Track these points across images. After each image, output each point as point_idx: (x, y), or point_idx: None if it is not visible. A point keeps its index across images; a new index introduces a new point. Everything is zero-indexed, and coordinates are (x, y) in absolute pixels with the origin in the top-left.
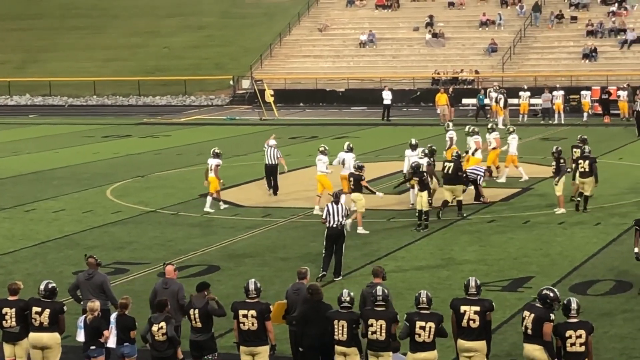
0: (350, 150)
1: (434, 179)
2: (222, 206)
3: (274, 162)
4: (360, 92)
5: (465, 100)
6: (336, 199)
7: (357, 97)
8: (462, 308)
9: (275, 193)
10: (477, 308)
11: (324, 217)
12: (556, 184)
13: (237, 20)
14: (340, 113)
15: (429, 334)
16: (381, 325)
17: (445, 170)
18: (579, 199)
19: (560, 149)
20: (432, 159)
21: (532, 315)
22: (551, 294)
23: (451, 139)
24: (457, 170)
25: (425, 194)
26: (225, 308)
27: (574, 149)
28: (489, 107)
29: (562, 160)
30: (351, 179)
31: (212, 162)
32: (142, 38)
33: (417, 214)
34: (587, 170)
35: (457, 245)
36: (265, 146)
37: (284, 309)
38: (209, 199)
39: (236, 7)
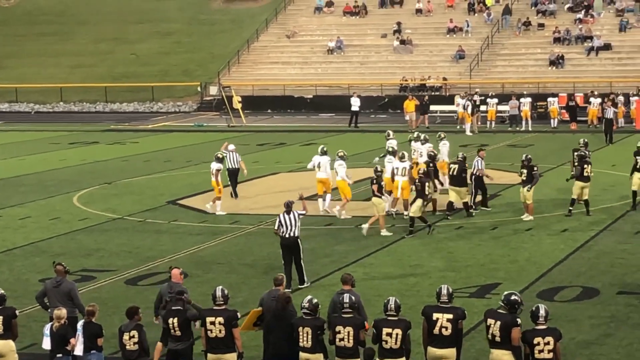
0: (324, 153)
1: (432, 185)
2: (214, 211)
3: (236, 166)
4: (328, 98)
5: (433, 107)
6: (288, 208)
7: (325, 103)
8: (435, 315)
9: (235, 196)
10: (450, 316)
11: (276, 227)
12: (528, 191)
13: (204, 26)
14: (308, 119)
15: (396, 340)
16: (348, 332)
17: (451, 172)
18: (580, 202)
19: (530, 156)
20: (432, 164)
21: (499, 322)
22: (518, 299)
23: (393, 148)
24: (461, 171)
25: (419, 201)
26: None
27: (576, 153)
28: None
29: (535, 168)
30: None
31: (214, 166)
32: (109, 44)
33: (409, 220)
34: (591, 174)
35: (425, 252)
36: (224, 152)
37: (257, 316)
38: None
39: (204, 14)
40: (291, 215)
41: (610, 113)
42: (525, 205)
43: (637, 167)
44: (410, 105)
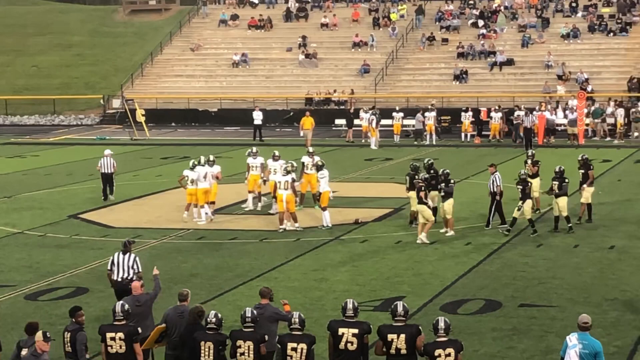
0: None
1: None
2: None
3: (110, 171)
4: (233, 112)
5: (337, 121)
6: (125, 248)
7: (230, 117)
8: (340, 330)
9: (111, 194)
10: (356, 330)
11: (109, 267)
12: (447, 203)
13: (107, 39)
14: (212, 133)
15: (301, 355)
16: (249, 347)
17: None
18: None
19: (448, 171)
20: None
21: (403, 335)
22: (407, 308)
23: (304, 163)
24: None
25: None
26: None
27: (581, 170)
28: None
29: (451, 181)
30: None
31: (214, 169)
32: (9, 56)
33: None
34: (558, 191)
35: (329, 266)
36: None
37: (160, 332)
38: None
39: (107, 26)
40: (127, 256)
41: (528, 122)
42: (445, 220)
43: (581, 180)
44: (307, 122)
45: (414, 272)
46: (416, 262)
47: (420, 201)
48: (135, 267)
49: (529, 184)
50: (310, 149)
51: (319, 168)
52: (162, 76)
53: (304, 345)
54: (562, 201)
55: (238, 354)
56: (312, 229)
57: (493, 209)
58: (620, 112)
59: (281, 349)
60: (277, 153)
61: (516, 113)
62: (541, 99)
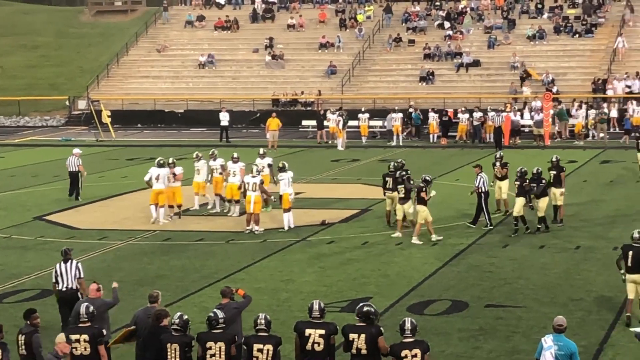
0: (162, 165)
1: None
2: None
3: (75, 170)
4: (200, 113)
5: (305, 122)
6: (66, 256)
7: (196, 118)
8: (307, 331)
9: (77, 198)
10: (322, 331)
11: (53, 279)
12: (405, 206)
13: (73, 40)
14: (179, 134)
15: (267, 356)
16: (220, 348)
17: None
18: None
19: (409, 175)
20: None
21: (363, 335)
22: (372, 309)
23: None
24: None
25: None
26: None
27: (552, 171)
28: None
29: (411, 182)
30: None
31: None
32: None
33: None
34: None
35: (296, 267)
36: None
37: (129, 333)
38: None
39: (72, 27)
40: (69, 264)
41: (498, 121)
42: (398, 221)
43: (552, 182)
44: (272, 123)
45: (381, 273)
46: (383, 263)
47: (420, 201)
48: (77, 273)
49: (527, 181)
50: (261, 151)
51: (280, 170)
52: (128, 77)
53: (270, 347)
54: (543, 202)
55: (208, 356)
56: (280, 230)
57: (484, 208)
58: (581, 113)
59: (247, 350)
60: (235, 155)
61: (475, 114)
62: (507, 100)
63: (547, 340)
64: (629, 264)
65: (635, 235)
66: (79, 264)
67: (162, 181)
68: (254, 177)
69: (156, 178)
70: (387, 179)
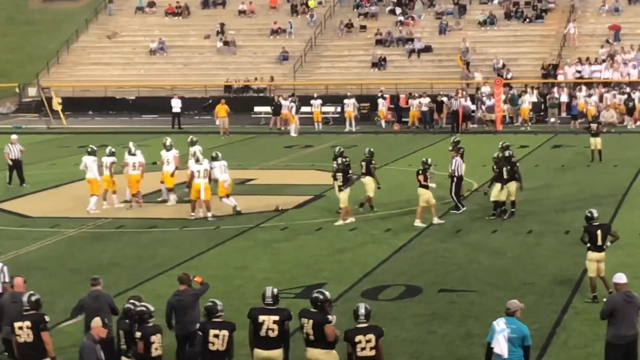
0: (91, 153)
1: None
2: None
3: (18, 157)
4: (151, 100)
5: (257, 109)
6: None
7: (147, 105)
8: (261, 318)
9: (21, 184)
10: (276, 317)
11: None
12: (343, 192)
13: (22, 26)
14: (130, 121)
15: (223, 342)
16: (224, 335)
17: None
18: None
19: (347, 161)
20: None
21: (311, 321)
22: (321, 296)
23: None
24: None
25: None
26: None
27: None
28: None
29: (350, 171)
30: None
31: (107, 160)
32: None
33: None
34: (509, 176)
35: (250, 254)
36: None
37: None
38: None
39: (21, 14)
40: None
41: (455, 105)
42: (348, 209)
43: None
44: (221, 109)
45: (335, 259)
46: (337, 249)
47: (421, 185)
48: (2, 277)
49: (517, 165)
50: (194, 138)
51: (213, 159)
52: (78, 64)
53: (226, 332)
54: (512, 186)
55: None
56: (233, 217)
57: (454, 192)
58: (527, 98)
59: (203, 336)
60: (168, 143)
61: (423, 100)
62: (459, 85)
63: (500, 324)
64: (599, 242)
65: (595, 214)
66: (5, 268)
67: (92, 170)
68: (200, 164)
69: (86, 166)
70: (362, 163)
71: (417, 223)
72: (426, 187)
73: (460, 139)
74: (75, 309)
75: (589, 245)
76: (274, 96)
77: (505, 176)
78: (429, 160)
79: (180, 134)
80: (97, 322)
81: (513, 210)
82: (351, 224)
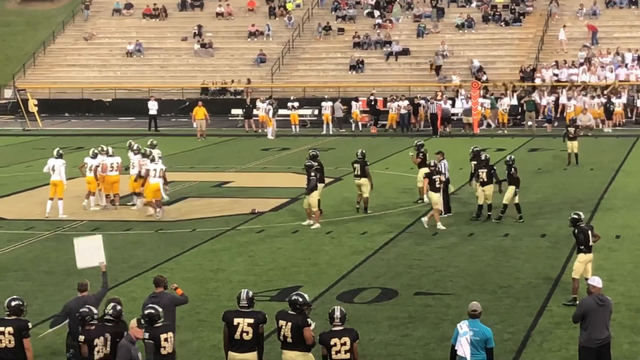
0: (60, 156)
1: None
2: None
3: None
4: (128, 102)
5: (234, 111)
6: None
7: (124, 107)
8: (236, 320)
9: None
10: (251, 320)
11: None
12: (309, 197)
13: None
14: (107, 123)
15: (171, 344)
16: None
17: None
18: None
19: (312, 164)
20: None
21: (290, 323)
22: (300, 299)
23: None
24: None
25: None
26: None
27: (473, 161)
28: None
29: (312, 174)
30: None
31: (91, 161)
32: None
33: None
34: (486, 179)
35: (226, 256)
36: None
37: None
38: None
39: None
40: None
41: (433, 108)
42: (308, 212)
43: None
44: (199, 112)
45: (311, 261)
46: (313, 251)
47: (432, 188)
48: None
49: (514, 169)
50: (154, 141)
51: (152, 160)
52: (55, 66)
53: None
54: (489, 189)
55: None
56: (209, 219)
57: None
58: (506, 101)
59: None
60: (135, 146)
61: (401, 103)
62: (436, 88)
63: (463, 326)
64: (591, 243)
65: (582, 216)
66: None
67: (58, 172)
68: (156, 163)
69: (52, 169)
70: (355, 165)
71: (439, 226)
72: (437, 190)
73: (424, 143)
74: (60, 316)
75: (581, 247)
76: (246, 98)
77: (485, 179)
78: (436, 163)
79: (157, 137)
80: (133, 322)
81: (489, 213)
82: (318, 228)
